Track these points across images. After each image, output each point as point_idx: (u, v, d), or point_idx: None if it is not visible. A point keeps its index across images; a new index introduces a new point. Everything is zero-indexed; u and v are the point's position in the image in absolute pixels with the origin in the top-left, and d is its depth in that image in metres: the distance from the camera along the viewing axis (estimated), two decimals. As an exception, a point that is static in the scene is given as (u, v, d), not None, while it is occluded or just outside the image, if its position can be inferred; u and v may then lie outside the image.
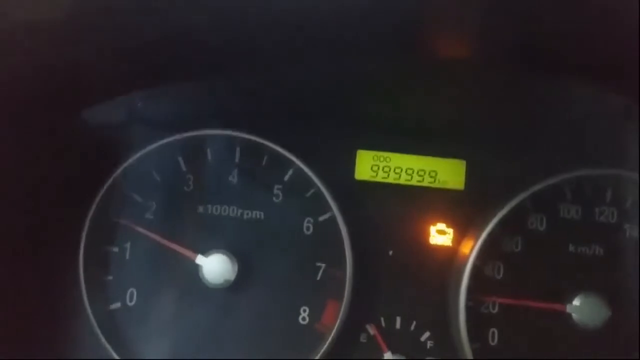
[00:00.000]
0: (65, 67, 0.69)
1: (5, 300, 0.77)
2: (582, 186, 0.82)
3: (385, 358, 0.82)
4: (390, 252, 0.85)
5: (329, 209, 0.84)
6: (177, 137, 0.87)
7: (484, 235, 0.81)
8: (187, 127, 0.86)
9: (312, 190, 0.85)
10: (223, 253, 0.83)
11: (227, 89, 0.84)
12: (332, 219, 0.84)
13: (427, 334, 0.83)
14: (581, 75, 0.72)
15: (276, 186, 0.86)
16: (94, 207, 0.85)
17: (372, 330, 0.84)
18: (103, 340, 0.84)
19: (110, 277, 0.87)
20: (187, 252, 0.84)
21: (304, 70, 0.80)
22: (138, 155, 0.87)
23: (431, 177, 0.85)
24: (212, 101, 0.86)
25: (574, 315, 0.79)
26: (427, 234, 0.85)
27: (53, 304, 0.85)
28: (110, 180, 0.86)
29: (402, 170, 0.86)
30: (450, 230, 0.85)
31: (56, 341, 0.85)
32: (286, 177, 0.86)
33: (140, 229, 0.86)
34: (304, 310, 0.84)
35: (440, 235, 0.85)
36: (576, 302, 0.78)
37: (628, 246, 0.82)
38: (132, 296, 0.86)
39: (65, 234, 0.85)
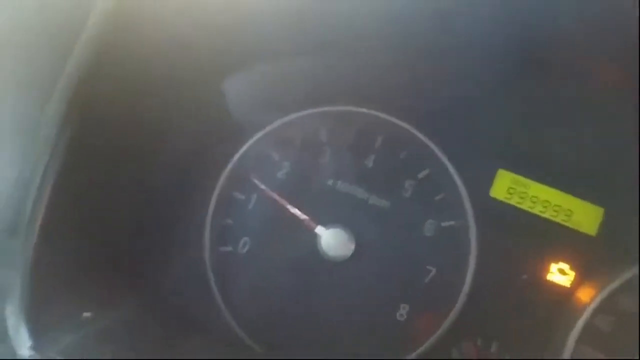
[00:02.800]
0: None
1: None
2: None
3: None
4: (507, 276, 0.85)
5: (456, 217, 0.85)
6: (325, 108, 0.89)
7: (603, 288, 0.80)
8: (337, 101, 0.88)
9: (442, 194, 0.86)
10: (343, 229, 0.85)
11: (385, 71, 0.85)
12: (456, 228, 0.85)
13: (518, 367, 0.83)
14: None
15: (408, 181, 0.88)
16: (234, 159, 0.90)
17: (466, 348, 0.85)
18: (211, 277, 0.88)
19: (230, 221, 0.90)
20: (307, 221, 0.86)
21: (474, 69, 0.81)
22: (284, 119, 0.90)
23: (566, 215, 0.85)
24: (367, 80, 0.87)
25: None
26: (548, 270, 0.84)
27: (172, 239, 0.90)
28: (253, 138, 0.90)
29: (538, 200, 0.85)
30: (573, 273, 0.84)
31: (167, 273, 0.89)
32: (421, 175, 0.87)
33: (268, 186, 0.89)
34: (404, 308, 0.85)
35: (561, 274, 0.84)
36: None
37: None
38: (245, 244, 0.89)
39: (204, 179, 0.90)
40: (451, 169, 0.86)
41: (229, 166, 0.90)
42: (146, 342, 0.73)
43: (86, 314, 0.67)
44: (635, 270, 0.80)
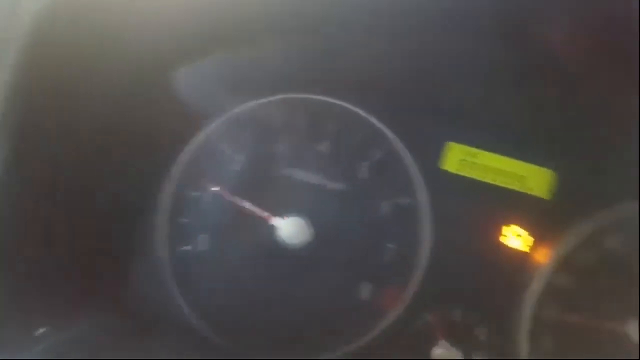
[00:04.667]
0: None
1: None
2: None
3: (439, 346, 0.84)
4: (464, 246, 0.86)
5: (411, 193, 0.86)
6: (276, 97, 0.88)
7: (562, 247, 0.81)
8: (288, 89, 0.87)
9: (398, 173, 0.86)
10: (301, 216, 0.85)
11: (336, 56, 0.85)
12: (412, 204, 0.86)
13: (484, 329, 0.84)
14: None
15: (363, 163, 0.87)
16: (184, 156, 0.89)
17: (430, 318, 0.86)
18: (172, 278, 0.87)
19: (186, 220, 0.89)
20: (263, 214, 0.86)
21: (417, 48, 0.81)
22: (233, 111, 0.89)
23: (518, 181, 0.86)
24: (318, 66, 0.87)
25: (632, 337, 0.79)
26: (504, 235, 0.86)
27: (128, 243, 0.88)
28: (202, 133, 0.89)
29: (489, 168, 0.86)
30: (528, 236, 0.85)
31: (125, 278, 0.88)
32: (376, 156, 0.87)
33: (222, 182, 0.88)
34: (366, 287, 0.86)
35: (517, 238, 0.85)
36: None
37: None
38: (203, 242, 0.89)
39: (156, 178, 0.89)
40: (402, 148, 0.86)
41: (180, 163, 0.89)
42: (110, 350, 0.72)
43: (41, 330, 0.65)
44: (588, 228, 0.81)
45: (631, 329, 0.80)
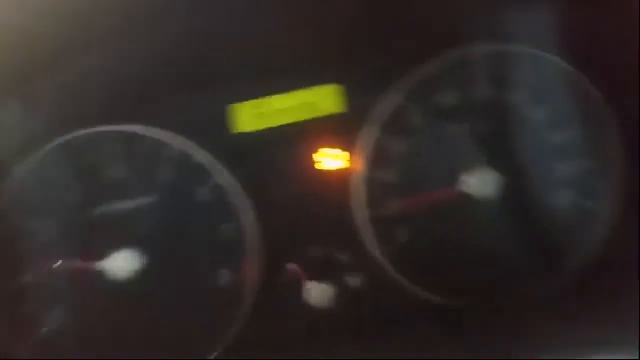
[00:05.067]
0: None
1: None
2: (452, 69, 0.85)
3: (309, 287, 0.85)
4: (287, 190, 0.87)
5: (216, 169, 0.85)
6: (50, 145, 0.85)
7: (367, 145, 0.84)
8: (55, 132, 0.85)
9: (195, 158, 0.86)
10: (124, 249, 0.83)
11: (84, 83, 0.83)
12: (222, 179, 0.85)
13: (344, 256, 0.86)
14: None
15: (161, 166, 0.86)
16: None
17: (291, 267, 0.86)
18: None
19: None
20: (85, 266, 0.83)
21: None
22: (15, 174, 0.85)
23: (311, 108, 0.87)
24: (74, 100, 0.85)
25: (465, 190, 0.83)
26: (318, 163, 0.87)
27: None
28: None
29: (281, 110, 0.87)
30: (341, 153, 0.87)
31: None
32: (168, 155, 0.86)
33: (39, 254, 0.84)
34: (222, 274, 0.85)
35: (332, 160, 0.87)
36: (465, 178, 0.83)
37: (503, 115, 0.86)
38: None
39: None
40: (189, 132, 0.86)
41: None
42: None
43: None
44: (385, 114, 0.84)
45: (463, 185, 0.83)
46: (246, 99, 0.88)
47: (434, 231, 0.84)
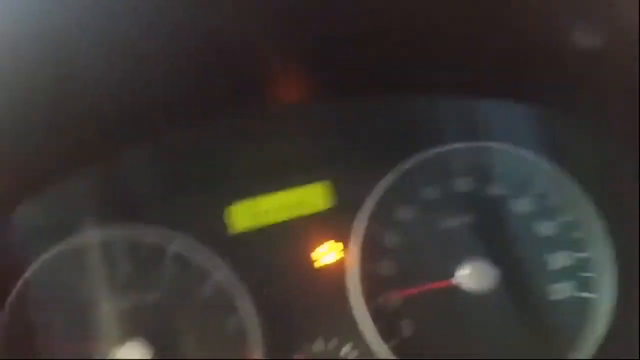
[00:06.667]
0: None
1: None
2: (432, 164, 0.89)
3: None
4: (285, 286, 0.87)
5: (217, 267, 0.86)
6: (57, 248, 0.86)
7: (360, 239, 0.85)
8: (55, 238, 0.86)
9: (196, 257, 0.86)
10: (135, 342, 0.82)
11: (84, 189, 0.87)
12: (222, 276, 0.86)
13: (346, 348, 0.85)
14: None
15: (162, 265, 0.87)
16: None
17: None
18: None
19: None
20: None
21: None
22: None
23: (300, 207, 0.89)
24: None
25: (464, 286, 0.83)
26: (314, 257, 0.88)
27: None
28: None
29: (271, 210, 0.89)
30: (333, 248, 0.88)
31: None
32: (169, 255, 0.87)
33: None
34: None
35: (327, 254, 0.88)
36: (460, 272, 0.83)
37: (490, 209, 0.88)
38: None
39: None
40: (188, 238, 0.87)
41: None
42: None
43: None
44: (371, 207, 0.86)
45: (459, 278, 0.82)
46: (240, 199, 0.90)
47: (434, 324, 0.84)
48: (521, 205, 0.89)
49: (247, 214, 0.89)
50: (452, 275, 0.84)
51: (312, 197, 0.90)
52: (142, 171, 0.89)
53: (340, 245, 0.88)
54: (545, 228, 0.88)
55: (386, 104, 0.89)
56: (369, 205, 0.87)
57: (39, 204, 0.84)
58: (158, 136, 0.87)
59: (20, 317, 0.83)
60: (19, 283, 0.85)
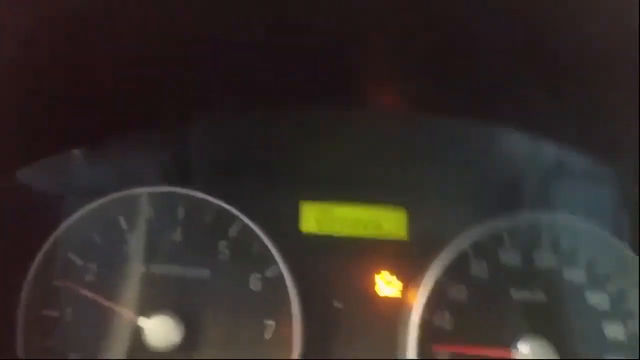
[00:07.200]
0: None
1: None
2: (519, 232, 0.84)
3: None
4: (339, 306, 0.84)
5: (275, 262, 0.83)
6: (117, 195, 0.87)
7: (428, 285, 0.81)
8: (127, 184, 0.86)
9: (257, 246, 0.84)
10: (166, 314, 0.81)
11: (167, 144, 0.85)
12: (279, 274, 0.83)
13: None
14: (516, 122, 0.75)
15: (221, 243, 0.86)
16: (32, 271, 0.84)
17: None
18: None
19: (52, 343, 0.83)
20: (127, 314, 0.81)
21: (244, 123, 0.82)
22: (77, 215, 0.86)
23: (376, 227, 0.86)
24: (152, 158, 0.87)
25: (523, 360, 0.78)
26: (374, 285, 0.85)
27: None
28: (48, 243, 0.85)
29: (346, 220, 0.86)
30: (397, 281, 0.85)
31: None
32: (231, 233, 0.86)
33: (81, 292, 0.84)
34: None
35: (387, 286, 0.85)
36: (521, 346, 0.78)
37: (568, 290, 0.82)
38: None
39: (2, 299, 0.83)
40: (255, 222, 0.84)
41: (29, 282, 0.84)
42: None
43: None
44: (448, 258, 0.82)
45: (519, 352, 0.78)
46: (315, 200, 0.87)
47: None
48: (595, 294, 0.83)
49: (318, 217, 0.87)
50: (508, 347, 0.80)
51: (389, 221, 0.87)
52: (217, 143, 0.87)
53: (403, 282, 0.85)
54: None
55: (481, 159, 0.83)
56: (445, 254, 0.82)
57: (98, 157, 0.84)
58: (246, 112, 0.84)
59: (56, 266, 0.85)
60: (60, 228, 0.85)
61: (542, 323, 0.80)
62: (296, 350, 0.80)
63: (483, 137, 0.80)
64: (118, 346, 0.82)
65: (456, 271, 0.82)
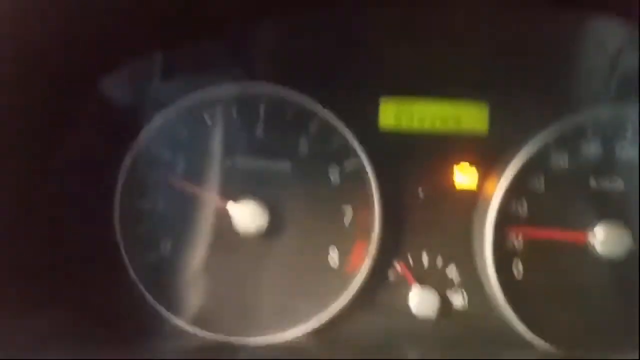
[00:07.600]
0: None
1: (44, 257, 0.80)
2: (602, 124, 0.84)
3: (414, 293, 0.84)
4: (419, 191, 0.87)
5: (355, 155, 0.87)
6: (201, 93, 0.89)
7: (509, 175, 0.83)
8: (209, 82, 0.89)
9: (337, 139, 0.87)
10: (253, 200, 0.86)
11: (247, 41, 0.87)
12: (358, 165, 0.86)
13: (453, 268, 0.86)
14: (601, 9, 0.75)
15: (302, 136, 0.89)
16: (124, 165, 0.89)
17: (399, 267, 0.86)
18: (142, 288, 0.87)
19: (145, 229, 0.89)
20: (216, 200, 0.86)
21: (322, 19, 0.84)
22: (163, 113, 0.90)
23: (455, 121, 0.88)
24: (232, 55, 0.88)
25: (596, 246, 0.80)
26: (453, 176, 0.88)
27: (91, 258, 0.88)
28: (138, 139, 0.89)
29: (425, 115, 0.89)
30: (475, 172, 0.87)
31: (96, 294, 0.86)
32: (311, 128, 0.88)
33: (171, 182, 0.89)
34: (334, 253, 0.86)
35: (465, 176, 0.87)
36: (598, 231, 0.80)
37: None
38: (166, 245, 0.88)
39: (99, 193, 0.89)
40: (335, 117, 0.87)
41: (122, 177, 0.89)
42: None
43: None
44: (530, 150, 0.84)
45: (595, 237, 0.81)
46: (394, 95, 0.89)
47: (552, 274, 0.83)
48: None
49: (397, 112, 0.89)
50: (584, 231, 0.82)
51: (469, 115, 0.88)
52: (298, 41, 0.88)
53: (483, 173, 0.87)
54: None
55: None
56: (528, 148, 0.84)
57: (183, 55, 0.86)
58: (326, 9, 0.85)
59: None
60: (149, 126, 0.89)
61: (620, 211, 0.82)
62: (372, 236, 0.85)
63: (566, 29, 0.80)
64: (208, 231, 0.88)
65: (536, 163, 0.84)
